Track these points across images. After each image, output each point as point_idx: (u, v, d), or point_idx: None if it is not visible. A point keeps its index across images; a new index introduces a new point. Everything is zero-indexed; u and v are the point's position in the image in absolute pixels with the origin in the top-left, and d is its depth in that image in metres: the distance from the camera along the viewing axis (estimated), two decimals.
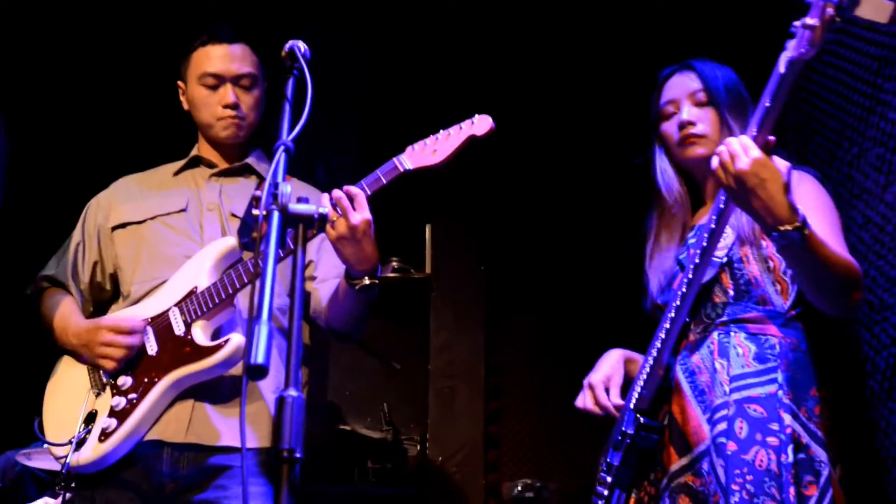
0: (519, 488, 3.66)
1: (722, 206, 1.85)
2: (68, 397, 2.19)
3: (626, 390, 2.11)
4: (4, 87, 3.89)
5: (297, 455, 1.35)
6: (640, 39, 3.53)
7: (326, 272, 2.33)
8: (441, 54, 4.16)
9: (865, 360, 1.94)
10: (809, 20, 1.66)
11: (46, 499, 3.42)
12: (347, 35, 4.09)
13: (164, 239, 2.27)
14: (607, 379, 2.13)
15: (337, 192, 2.02)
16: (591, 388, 2.13)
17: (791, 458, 1.77)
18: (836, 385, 1.92)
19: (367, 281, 2.10)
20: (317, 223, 1.53)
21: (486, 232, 4.24)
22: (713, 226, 1.86)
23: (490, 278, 4.19)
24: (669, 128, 2.12)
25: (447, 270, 4.24)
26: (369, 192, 2.07)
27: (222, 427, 2.08)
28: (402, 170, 2.09)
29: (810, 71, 2.33)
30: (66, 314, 2.28)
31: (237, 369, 2.10)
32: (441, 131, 2.11)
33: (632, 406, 1.99)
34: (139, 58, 3.87)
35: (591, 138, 3.90)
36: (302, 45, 1.80)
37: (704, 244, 1.88)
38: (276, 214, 1.47)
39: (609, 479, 1.99)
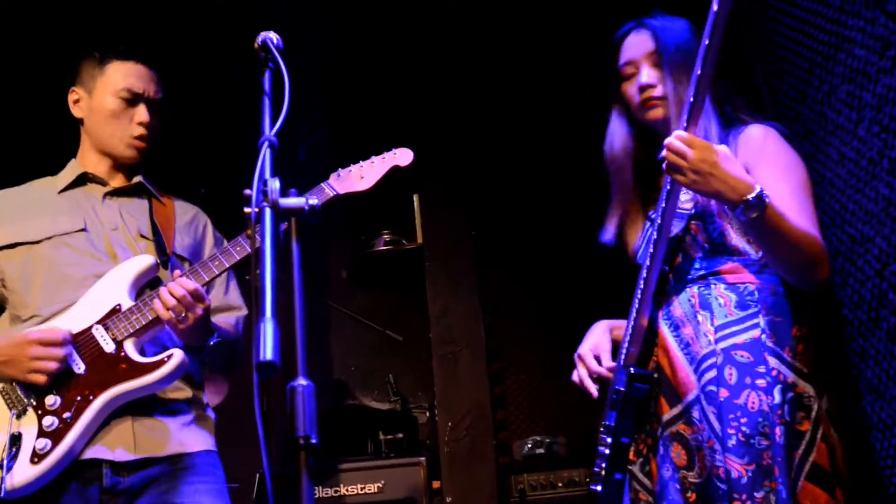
0: (529, 445, 3.74)
1: (668, 186, 1.93)
2: None
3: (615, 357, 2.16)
4: None
5: (313, 441, 1.40)
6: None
7: None
8: (412, 22, 4.15)
9: (852, 292, 1.99)
10: None
11: None
12: (311, 8, 4.07)
13: (66, 260, 2.22)
14: (595, 347, 2.17)
15: (179, 291, 2.07)
16: (581, 358, 2.17)
17: (778, 399, 1.83)
18: (814, 321, 1.98)
19: (211, 342, 2.25)
20: (308, 214, 1.56)
21: (473, 197, 4.28)
22: (663, 204, 1.94)
23: (481, 242, 4.24)
24: (630, 90, 2.14)
25: (438, 238, 4.28)
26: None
27: (165, 438, 2.13)
28: (331, 195, 2.27)
29: (776, 11, 2.35)
30: None
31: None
32: (363, 161, 2.32)
33: (622, 365, 2.04)
34: None
35: (575, 98, 3.91)
36: (274, 37, 1.79)
37: (662, 205, 1.94)
38: (268, 211, 1.50)
39: (609, 439, 2.04)
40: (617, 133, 2.19)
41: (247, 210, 1.54)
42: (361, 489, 3.33)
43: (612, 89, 2.22)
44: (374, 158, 2.34)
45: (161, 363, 2.10)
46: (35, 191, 2.38)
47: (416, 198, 4.46)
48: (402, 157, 2.35)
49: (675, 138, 1.83)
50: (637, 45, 2.13)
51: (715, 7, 1.78)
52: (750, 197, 1.79)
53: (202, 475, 2.17)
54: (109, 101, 2.33)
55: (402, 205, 4.46)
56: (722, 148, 1.85)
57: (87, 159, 2.39)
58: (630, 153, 2.20)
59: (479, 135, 4.23)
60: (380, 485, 3.35)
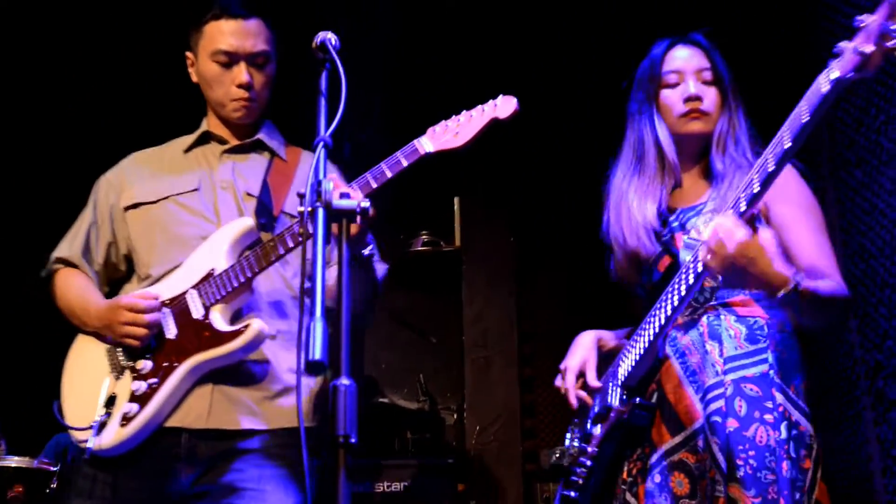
0: (557, 454, 3.72)
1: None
2: (87, 379, 2.15)
3: (601, 368, 2.17)
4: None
5: (353, 441, 1.42)
6: (666, 13, 3.51)
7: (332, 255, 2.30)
8: (467, 24, 4.16)
9: None
10: (863, 47, 1.62)
11: None
12: (372, 7, 4.10)
13: (178, 219, 2.22)
14: (583, 363, 2.18)
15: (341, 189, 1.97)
16: (565, 373, 2.19)
17: (784, 435, 1.84)
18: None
19: (365, 252, 2.08)
20: (359, 216, 1.58)
21: (513, 202, 4.29)
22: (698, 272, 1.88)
23: (519, 248, 4.25)
24: (671, 97, 2.12)
25: (477, 242, 4.30)
26: (390, 175, 2.05)
27: (242, 411, 2.07)
28: (422, 153, 2.05)
29: (836, 37, 2.33)
30: (86, 295, 2.24)
31: (256, 353, 2.08)
32: (464, 112, 2.07)
33: (619, 382, 2.04)
34: (141, 27, 3.82)
35: (618, 107, 3.90)
36: (333, 38, 1.81)
37: (691, 279, 1.89)
38: (320, 211, 1.52)
39: (591, 449, 2.05)
40: (668, 138, 2.13)
41: (300, 209, 1.57)
42: (388, 487, 3.35)
43: (643, 92, 2.19)
44: (472, 111, 2.06)
45: (238, 333, 2.02)
46: (167, 150, 2.38)
47: (456, 200, 4.48)
48: (504, 106, 2.03)
49: (722, 226, 1.76)
50: (688, 57, 2.14)
51: (825, 89, 1.68)
52: (785, 292, 1.75)
53: (273, 458, 2.07)
54: (208, 66, 2.24)
55: (442, 206, 4.48)
56: (768, 241, 1.76)
57: (211, 118, 2.36)
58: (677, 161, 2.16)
59: (523, 140, 4.23)
60: (406, 483, 3.37)
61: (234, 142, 2.32)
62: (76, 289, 2.26)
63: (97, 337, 2.19)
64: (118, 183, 2.33)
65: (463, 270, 4.24)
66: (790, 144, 1.71)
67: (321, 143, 1.65)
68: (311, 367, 1.35)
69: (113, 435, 2.02)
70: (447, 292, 4.35)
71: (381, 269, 2.26)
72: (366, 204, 1.59)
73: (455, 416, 4.26)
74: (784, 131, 1.72)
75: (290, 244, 2.07)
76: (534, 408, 4.08)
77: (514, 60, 4.10)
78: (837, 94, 1.67)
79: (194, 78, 2.33)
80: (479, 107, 2.06)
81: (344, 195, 1.59)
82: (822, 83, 1.68)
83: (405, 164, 2.05)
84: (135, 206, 2.27)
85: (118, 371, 2.11)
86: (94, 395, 2.08)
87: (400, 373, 4.44)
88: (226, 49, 2.21)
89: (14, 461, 3.34)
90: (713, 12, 2.28)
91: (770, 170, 1.74)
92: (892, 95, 2.02)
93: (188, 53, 2.32)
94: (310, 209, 1.54)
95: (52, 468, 3.45)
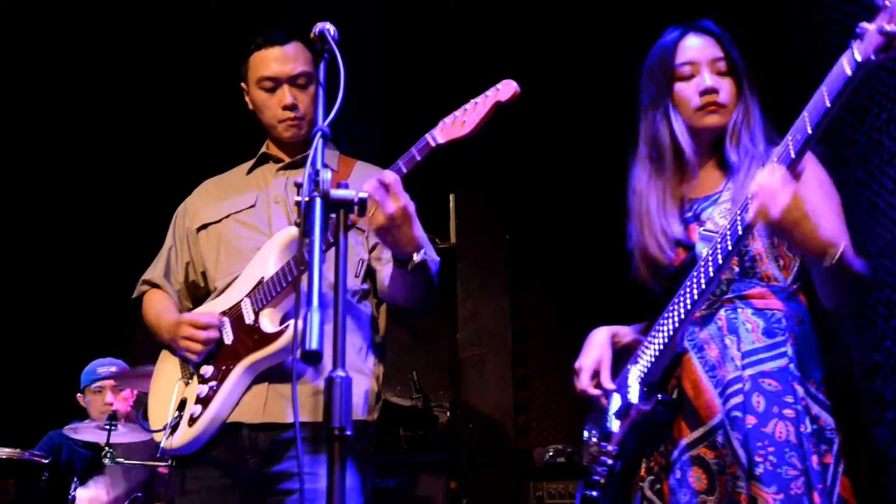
0: (551, 453, 3.72)
1: (749, 222, 1.79)
2: (164, 387, 2.38)
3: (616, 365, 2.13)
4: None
5: (348, 433, 1.40)
6: (663, 8, 3.50)
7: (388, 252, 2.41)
8: (462, 20, 4.15)
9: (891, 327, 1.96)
10: (889, 26, 1.53)
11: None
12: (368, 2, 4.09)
13: (237, 234, 2.41)
14: (597, 362, 2.13)
15: (371, 183, 2.05)
16: (578, 373, 2.14)
17: (810, 429, 1.82)
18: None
19: (416, 259, 2.13)
20: (357, 207, 1.56)
21: (509, 200, 4.27)
22: (739, 232, 1.82)
23: (514, 246, 4.23)
24: (686, 90, 2.05)
25: (472, 240, 4.28)
26: (405, 171, 2.10)
27: (292, 405, 2.21)
28: (433, 145, 2.11)
29: (839, 36, 2.32)
30: (161, 312, 2.45)
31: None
32: (470, 101, 2.12)
33: (639, 379, 2.01)
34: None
35: (613, 104, 3.89)
36: (331, 28, 1.81)
37: (729, 247, 1.84)
38: (318, 201, 1.50)
39: (611, 448, 2.03)
40: (686, 132, 2.07)
41: (297, 199, 1.55)
42: (380, 483, 3.33)
43: (658, 84, 2.10)
44: (477, 98, 2.11)
45: (279, 334, 2.18)
46: (233, 173, 2.59)
47: (451, 197, 4.46)
48: (505, 90, 2.08)
49: (769, 175, 1.72)
50: (700, 47, 2.06)
51: (849, 72, 1.61)
52: (835, 253, 1.72)
53: (322, 443, 2.12)
54: (257, 93, 2.42)
55: (438, 203, 4.46)
56: (808, 201, 1.73)
57: (269, 141, 2.54)
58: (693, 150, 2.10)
59: (519, 137, 4.22)
60: (398, 480, 3.35)
61: (288, 160, 2.49)
62: (155, 308, 2.49)
63: (170, 350, 2.41)
64: (192, 208, 2.56)
65: (458, 268, 4.22)
66: (811, 132, 1.66)
67: (319, 133, 1.64)
68: (308, 357, 1.33)
69: (181, 435, 2.24)
70: (441, 290, 4.27)
71: (432, 261, 2.29)
72: (364, 195, 1.57)
73: (448, 413, 4.24)
74: (805, 116, 1.67)
75: (322, 246, 2.13)
76: (527, 406, 4.07)
77: (509, 57, 4.09)
78: (861, 77, 1.61)
79: (250, 106, 2.50)
80: (483, 94, 2.11)
81: (342, 185, 1.57)
82: (845, 66, 1.61)
83: (419, 158, 2.13)
84: (204, 226, 2.49)
85: (188, 377, 2.33)
86: (169, 401, 2.32)
87: (393, 370, 4.39)
88: (269, 75, 2.38)
89: (5, 453, 3.32)
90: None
91: (792, 157, 1.70)
92: (894, 94, 2.01)
93: (242, 84, 2.50)
94: (307, 199, 1.52)
95: (43, 460, 3.44)
